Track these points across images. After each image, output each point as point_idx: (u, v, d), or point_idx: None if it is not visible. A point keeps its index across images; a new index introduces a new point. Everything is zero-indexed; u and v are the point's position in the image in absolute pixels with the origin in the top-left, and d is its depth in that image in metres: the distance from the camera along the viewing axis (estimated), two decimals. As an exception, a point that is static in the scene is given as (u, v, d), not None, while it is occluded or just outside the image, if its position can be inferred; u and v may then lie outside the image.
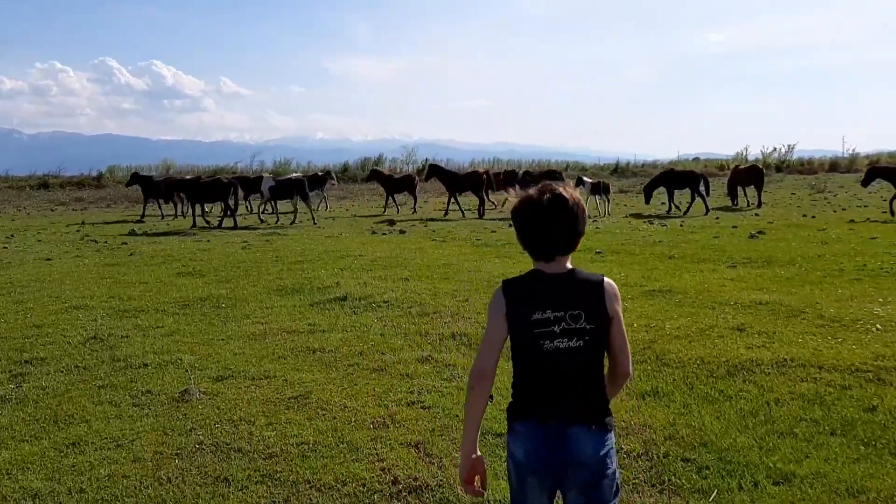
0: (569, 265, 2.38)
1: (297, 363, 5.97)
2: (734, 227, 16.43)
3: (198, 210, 20.63)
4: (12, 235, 17.54)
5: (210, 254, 13.30)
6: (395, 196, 24.76)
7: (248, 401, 5.01)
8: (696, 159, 52.97)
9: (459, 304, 8.12)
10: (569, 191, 2.32)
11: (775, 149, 48.09)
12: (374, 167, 31.75)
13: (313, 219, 20.58)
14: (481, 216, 21.69)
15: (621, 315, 2.36)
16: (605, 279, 2.36)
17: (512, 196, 2.41)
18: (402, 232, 17.03)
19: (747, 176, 23.95)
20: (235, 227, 19.00)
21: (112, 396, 5.18)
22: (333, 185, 27.30)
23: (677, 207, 22.20)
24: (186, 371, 5.71)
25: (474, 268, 10.84)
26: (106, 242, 15.74)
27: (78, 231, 18.59)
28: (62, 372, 5.84)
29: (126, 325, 7.48)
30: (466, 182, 22.80)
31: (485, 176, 22.63)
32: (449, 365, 5.79)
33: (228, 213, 19.78)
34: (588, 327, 2.28)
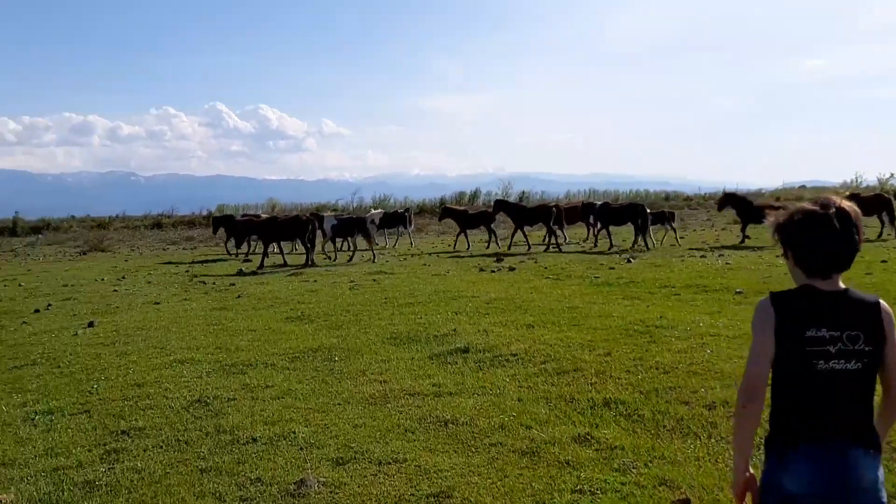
0: (842, 284, 2.26)
1: (428, 440, 4.98)
2: (884, 261, 14.39)
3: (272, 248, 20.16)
4: (124, 277, 17.66)
5: (318, 295, 12.67)
6: (467, 232, 23.94)
7: (378, 498, 4.02)
8: (803, 187, 49.75)
9: (601, 360, 6.97)
10: (850, 205, 2.22)
11: (893, 174, 44.27)
12: (446, 205, 31.17)
13: (373, 256, 19.95)
14: (559, 249, 21.00)
15: None
16: (881, 301, 2.25)
17: (772, 216, 2.33)
18: (511, 269, 15.99)
19: (874, 204, 22.02)
20: (308, 265, 18.56)
21: (216, 485, 4.33)
22: (411, 227, 26.74)
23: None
24: (301, 450, 4.81)
25: (603, 312, 9.64)
26: (214, 284, 15.49)
27: (187, 272, 18.58)
28: (161, 447, 5.07)
29: (233, 384, 6.74)
30: (536, 215, 22.26)
31: (554, 209, 22.01)
32: (615, 448, 4.65)
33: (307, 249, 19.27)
34: (867, 349, 2.17)
